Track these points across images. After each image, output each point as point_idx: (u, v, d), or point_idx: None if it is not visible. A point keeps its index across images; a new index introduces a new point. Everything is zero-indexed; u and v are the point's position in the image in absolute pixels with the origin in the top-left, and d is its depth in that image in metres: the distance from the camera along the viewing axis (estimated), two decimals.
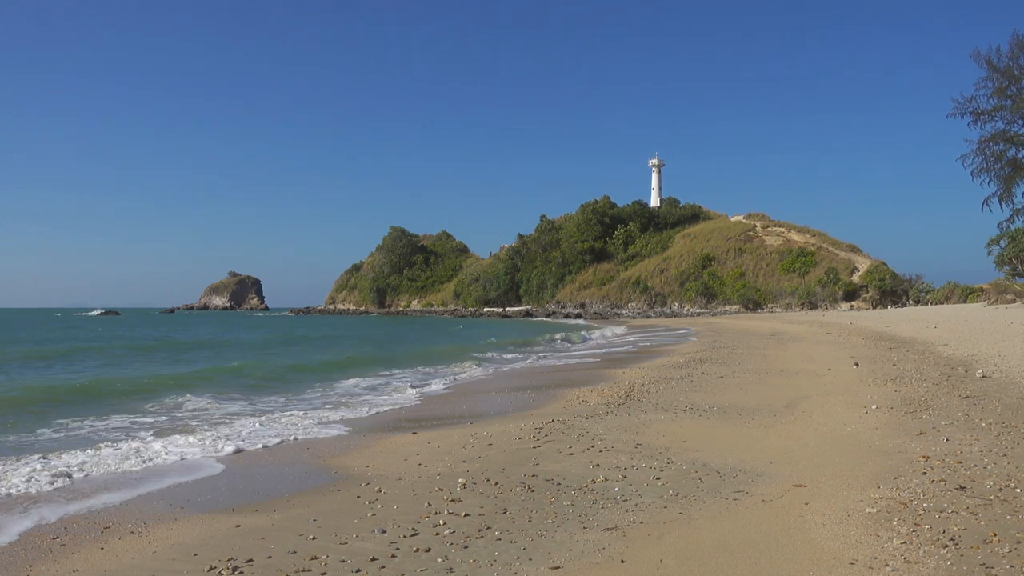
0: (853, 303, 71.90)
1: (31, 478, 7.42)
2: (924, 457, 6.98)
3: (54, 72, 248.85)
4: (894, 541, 4.77)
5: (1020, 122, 38.42)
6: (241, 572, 4.75)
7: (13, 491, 7.04)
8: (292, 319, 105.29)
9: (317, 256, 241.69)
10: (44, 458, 8.41)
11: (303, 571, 4.74)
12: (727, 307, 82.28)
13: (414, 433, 10.01)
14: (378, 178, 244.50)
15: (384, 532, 5.44)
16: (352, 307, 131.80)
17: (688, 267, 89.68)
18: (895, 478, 6.30)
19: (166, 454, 8.73)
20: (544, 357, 25.72)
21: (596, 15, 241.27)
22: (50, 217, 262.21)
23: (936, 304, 56.79)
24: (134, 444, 9.41)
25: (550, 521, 5.58)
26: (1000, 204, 39.85)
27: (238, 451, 9.00)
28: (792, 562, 4.57)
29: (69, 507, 6.50)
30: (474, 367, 21.59)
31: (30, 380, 18.24)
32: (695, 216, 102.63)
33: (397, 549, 5.06)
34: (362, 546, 5.15)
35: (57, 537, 5.69)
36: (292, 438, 9.90)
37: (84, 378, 18.39)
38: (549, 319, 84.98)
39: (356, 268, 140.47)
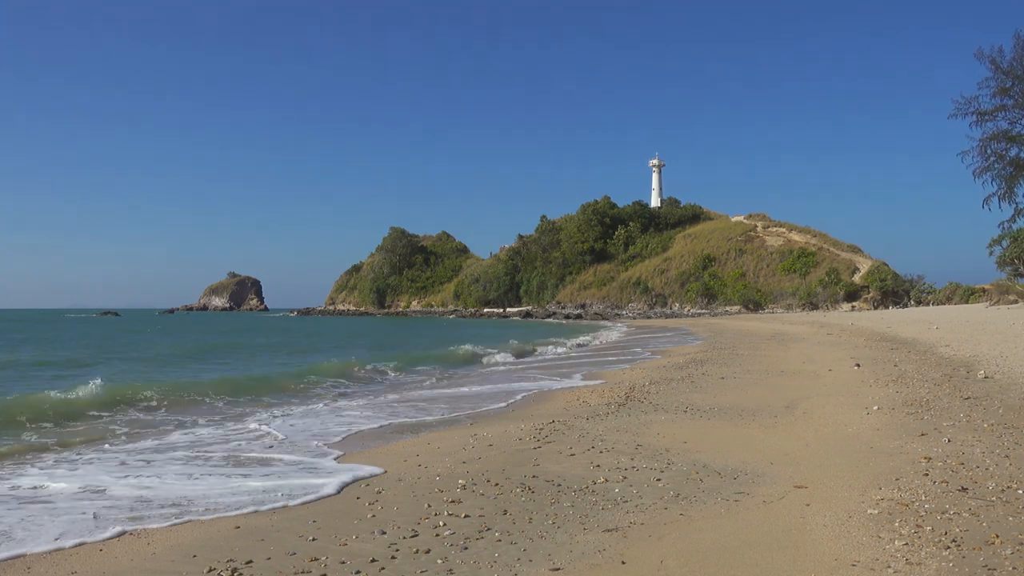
0: (854, 304, 71.87)
1: None
2: (926, 458, 6.96)
3: (54, 75, 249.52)
4: (896, 543, 4.75)
5: (1023, 122, 38.39)
6: (240, 574, 4.73)
7: None
8: (328, 320, 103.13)
9: (317, 256, 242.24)
10: None
11: (303, 572, 4.72)
12: (728, 308, 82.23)
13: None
14: (378, 178, 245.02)
15: (384, 533, 5.43)
16: (352, 308, 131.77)
17: (689, 268, 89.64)
18: (896, 479, 6.29)
19: None
20: (544, 358, 25.68)
21: (596, 15, 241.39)
22: (48, 218, 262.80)
23: (937, 305, 56.77)
24: None
25: (550, 522, 5.56)
26: (1000, 204, 39.84)
27: None
28: (793, 564, 4.55)
29: None
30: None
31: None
32: (696, 216, 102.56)
33: (397, 550, 5.04)
34: (362, 547, 5.14)
35: (57, 538, 5.67)
36: None
37: None
38: (549, 320, 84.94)
39: (356, 269, 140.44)
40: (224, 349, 33.84)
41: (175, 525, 5.90)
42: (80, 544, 5.49)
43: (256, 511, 6.18)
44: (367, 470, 7.57)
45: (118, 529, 5.77)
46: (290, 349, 33.96)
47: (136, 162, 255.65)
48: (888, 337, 25.61)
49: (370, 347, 34.44)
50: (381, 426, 10.96)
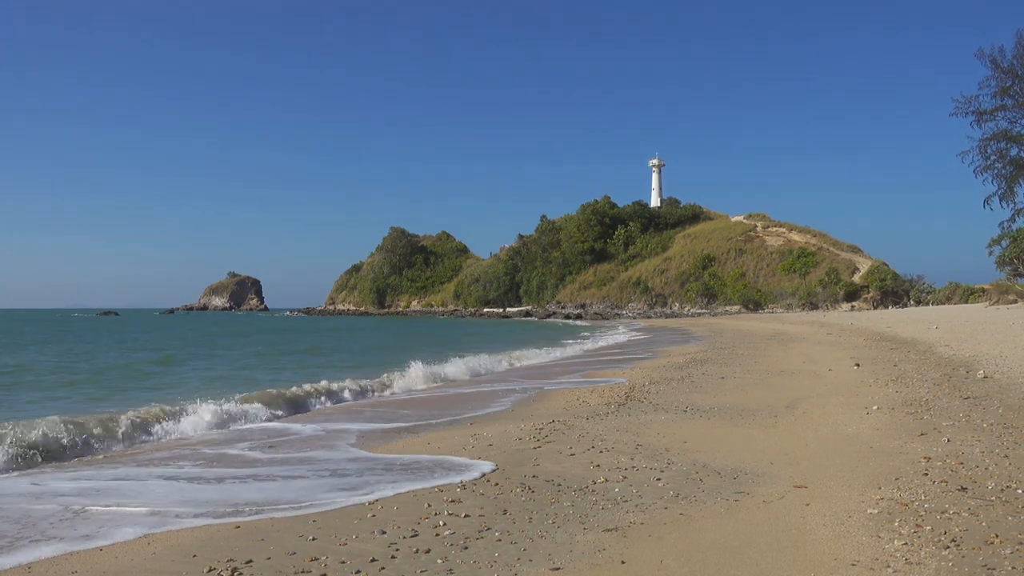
0: (854, 303, 71.86)
1: None
2: (925, 458, 6.96)
3: (53, 74, 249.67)
4: (895, 542, 4.75)
5: (1023, 121, 38.41)
6: (240, 573, 4.73)
7: None
8: (344, 320, 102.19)
9: (317, 256, 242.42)
10: None
11: (303, 572, 4.72)
12: (728, 307, 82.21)
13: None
14: (378, 178, 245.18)
15: (384, 533, 5.43)
16: (352, 308, 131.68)
17: (689, 267, 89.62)
18: (896, 479, 6.29)
19: None
20: (544, 357, 25.67)
21: (596, 15, 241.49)
22: (48, 218, 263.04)
23: (937, 305, 56.76)
24: None
25: (550, 522, 5.57)
26: (1001, 203, 39.85)
27: None
28: (793, 563, 4.55)
29: None
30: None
31: None
32: (695, 216, 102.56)
33: (397, 550, 5.05)
34: (362, 547, 5.14)
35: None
36: None
37: None
38: (549, 320, 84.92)
39: (356, 268, 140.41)
40: (297, 351, 33.71)
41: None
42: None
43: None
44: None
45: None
46: (346, 350, 33.94)
47: (136, 162, 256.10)
48: (888, 337, 25.62)
49: (433, 346, 32.98)
50: (397, 427, 10.96)
